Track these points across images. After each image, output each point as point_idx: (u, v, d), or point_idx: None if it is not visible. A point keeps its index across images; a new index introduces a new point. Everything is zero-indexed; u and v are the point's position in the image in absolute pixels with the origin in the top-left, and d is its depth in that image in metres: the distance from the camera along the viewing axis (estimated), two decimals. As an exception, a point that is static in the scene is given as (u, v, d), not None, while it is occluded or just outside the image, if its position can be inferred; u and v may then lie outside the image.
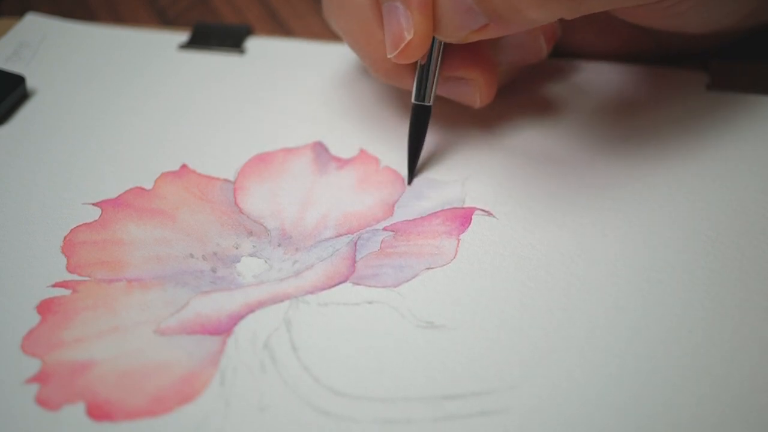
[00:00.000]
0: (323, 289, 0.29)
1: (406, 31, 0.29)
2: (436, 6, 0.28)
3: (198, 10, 0.44)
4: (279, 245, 0.30)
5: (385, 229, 0.31)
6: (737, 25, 0.34)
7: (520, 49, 0.33)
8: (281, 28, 0.42)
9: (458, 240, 0.30)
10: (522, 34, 0.32)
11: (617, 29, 0.35)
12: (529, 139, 0.34)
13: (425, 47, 0.29)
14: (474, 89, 0.32)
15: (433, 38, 0.30)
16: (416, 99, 0.31)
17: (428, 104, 0.31)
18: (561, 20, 0.33)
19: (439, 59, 0.31)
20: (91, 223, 0.31)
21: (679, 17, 0.31)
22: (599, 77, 0.36)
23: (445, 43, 0.30)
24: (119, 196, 0.32)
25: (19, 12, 0.43)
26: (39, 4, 0.45)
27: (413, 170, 0.32)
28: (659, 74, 0.36)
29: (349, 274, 0.29)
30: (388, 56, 0.30)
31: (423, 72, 0.31)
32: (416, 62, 0.31)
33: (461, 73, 0.31)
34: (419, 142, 0.32)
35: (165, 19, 0.43)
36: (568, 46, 0.36)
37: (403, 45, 0.29)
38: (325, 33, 0.40)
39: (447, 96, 0.33)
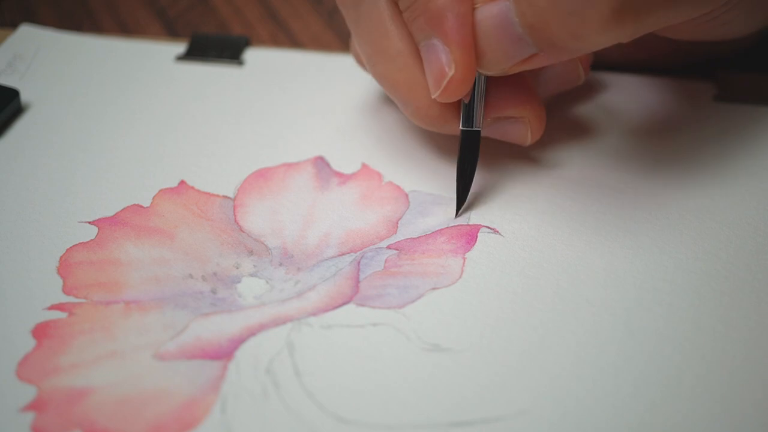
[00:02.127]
0: (326, 310, 0.28)
1: (447, 66, 0.27)
2: (478, 38, 0.27)
3: (198, 10, 0.43)
4: (280, 264, 0.30)
5: (389, 247, 0.30)
6: (758, 30, 0.33)
7: (559, 78, 0.32)
8: (281, 28, 0.42)
9: (464, 259, 0.29)
10: (562, 63, 0.32)
11: (645, 41, 0.34)
12: (534, 155, 0.33)
13: (469, 82, 0.28)
14: (525, 127, 0.31)
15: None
16: (464, 125, 0.30)
17: (477, 129, 0.30)
18: None
19: (484, 83, 0.30)
20: (87, 242, 0.30)
21: (725, 26, 0.31)
22: (604, 89, 0.36)
23: (489, 80, 0.29)
24: (116, 214, 0.31)
25: (19, 12, 0.43)
26: (39, 4, 0.44)
27: (463, 203, 0.31)
28: (666, 85, 0.36)
29: (352, 294, 0.28)
30: (432, 96, 0.28)
31: (469, 103, 0.30)
32: (460, 104, 0.30)
33: (510, 112, 0.30)
34: (471, 169, 0.31)
35: (165, 19, 0.43)
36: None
37: (445, 82, 0.28)
38: (326, 34, 0.40)
39: (497, 137, 0.31)
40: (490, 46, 0.27)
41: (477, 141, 0.30)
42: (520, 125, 0.31)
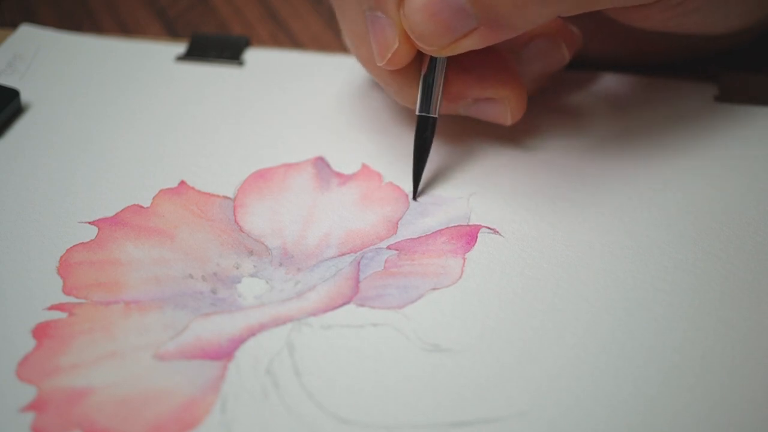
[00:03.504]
0: (326, 310, 0.28)
1: (392, 39, 0.28)
2: (416, 10, 0.27)
3: (198, 10, 0.43)
4: (280, 265, 0.30)
5: (389, 247, 0.30)
6: (745, 28, 0.33)
7: (542, 58, 0.32)
8: (281, 28, 0.42)
9: (464, 259, 0.29)
10: (544, 42, 0.32)
11: (626, 36, 0.34)
12: (534, 155, 0.33)
13: (412, 53, 0.29)
14: (505, 107, 0.31)
15: None
16: (421, 110, 0.31)
17: (434, 116, 0.31)
18: (582, 28, 0.32)
19: (444, 67, 0.30)
20: (87, 242, 0.30)
21: (695, 15, 0.31)
22: (606, 89, 0.36)
23: (469, 61, 0.30)
24: (116, 214, 0.31)
25: (19, 12, 0.43)
26: (39, 4, 0.44)
27: (418, 185, 0.32)
28: (667, 85, 0.36)
29: (352, 295, 0.28)
30: (378, 64, 0.29)
31: (426, 82, 0.30)
32: (419, 72, 0.30)
33: (491, 93, 0.31)
34: (424, 155, 0.31)
35: (165, 19, 0.43)
36: (585, 52, 0.36)
37: (389, 54, 0.29)
38: (326, 34, 0.40)
39: (477, 117, 0.32)
40: (429, 18, 0.27)
41: (433, 127, 0.31)
42: (500, 105, 0.31)
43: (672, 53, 0.35)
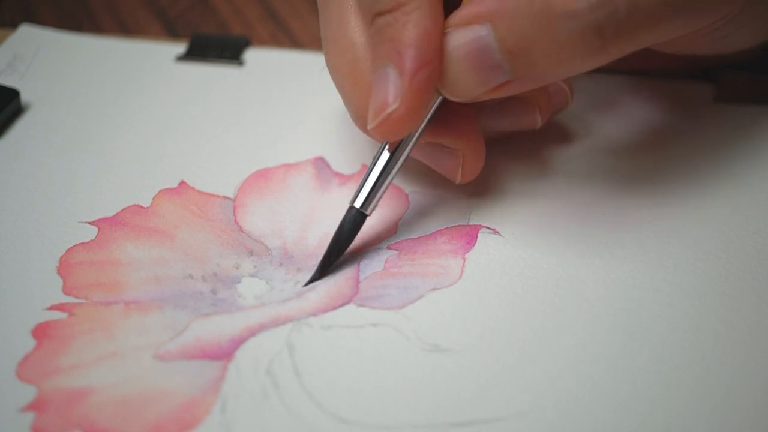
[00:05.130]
0: (326, 311, 0.28)
1: (392, 98, 0.25)
2: (449, 64, 0.26)
3: (198, 10, 0.43)
4: (280, 265, 0.30)
5: (389, 247, 0.30)
6: (755, 46, 0.33)
7: (512, 118, 0.30)
8: (281, 28, 0.42)
9: (464, 259, 0.29)
10: (518, 105, 0.30)
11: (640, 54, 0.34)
12: (534, 155, 0.33)
13: (410, 123, 0.26)
14: (457, 162, 0.29)
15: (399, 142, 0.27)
16: (357, 203, 0.28)
17: (367, 214, 0.28)
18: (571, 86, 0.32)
19: (397, 167, 0.28)
20: (87, 242, 0.30)
21: (725, 39, 0.30)
22: (605, 89, 0.36)
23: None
24: (116, 214, 0.31)
25: (19, 12, 0.43)
26: (39, 4, 0.44)
27: (325, 272, 0.29)
28: (666, 86, 0.36)
29: (352, 295, 0.28)
30: (368, 127, 0.26)
31: (370, 175, 0.28)
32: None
33: (445, 140, 0.28)
34: (345, 248, 0.29)
35: (165, 19, 0.43)
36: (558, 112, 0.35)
37: (385, 114, 0.26)
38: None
39: (426, 162, 0.30)
40: (462, 73, 0.26)
41: (361, 223, 0.29)
42: (453, 158, 0.29)
43: (674, 64, 0.35)
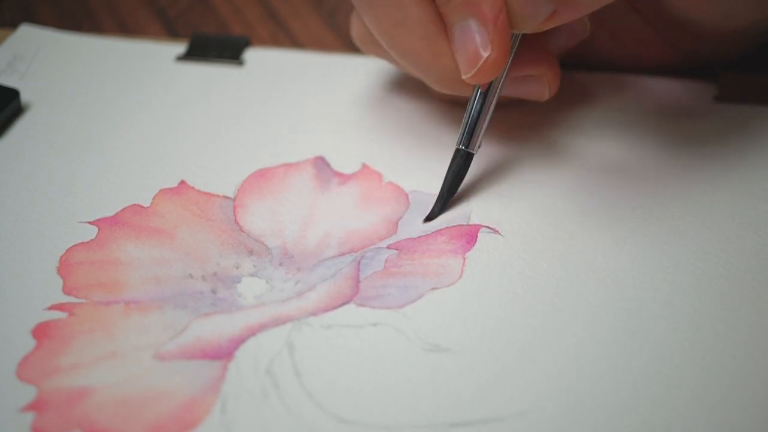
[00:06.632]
0: (326, 310, 0.28)
1: (482, 48, 0.28)
2: (508, 2, 0.28)
3: (198, 10, 0.43)
4: (280, 264, 0.30)
5: (389, 247, 0.30)
6: (755, 25, 0.33)
7: (569, 31, 0.33)
8: (281, 28, 0.42)
9: (464, 259, 0.29)
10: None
11: (636, 36, 0.35)
12: (534, 154, 0.33)
13: (503, 63, 0.29)
14: (543, 85, 0.31)
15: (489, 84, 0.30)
16: (462, 144, 0.31)
17: (473, 152, 0.31)
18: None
19: (493, 104, 0.30)
20: (87, 242, 0.30)
21: (707, 4, 0.31)
22: (605, 89, 0.36)
23: None
24: (116, 214, 0.31)
25: (19, 12, 0.43)
26: (39, 4, 0.44)
27: (440, 212, 0.31)
28: (666, 85, 0.36)
29: (352, 294, 0.28)
30: (464, 77, 0.29)
31: (470, 117, 0.30)
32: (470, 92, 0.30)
33: (529, 71, 0.31)
34: (456, 187, 0.31)
35: (165, 19, 0.43)
36: (584, 55, 0.36)
37: (480, 63, 0.28)
38: (326, 34, 0.40)
39: (514, 95, 0.32)
40: (520, 8, 0.28)
41: (469, 162, 0.31)
42: (538, 83, 0.32)
43: (669, 58, 0.35)
